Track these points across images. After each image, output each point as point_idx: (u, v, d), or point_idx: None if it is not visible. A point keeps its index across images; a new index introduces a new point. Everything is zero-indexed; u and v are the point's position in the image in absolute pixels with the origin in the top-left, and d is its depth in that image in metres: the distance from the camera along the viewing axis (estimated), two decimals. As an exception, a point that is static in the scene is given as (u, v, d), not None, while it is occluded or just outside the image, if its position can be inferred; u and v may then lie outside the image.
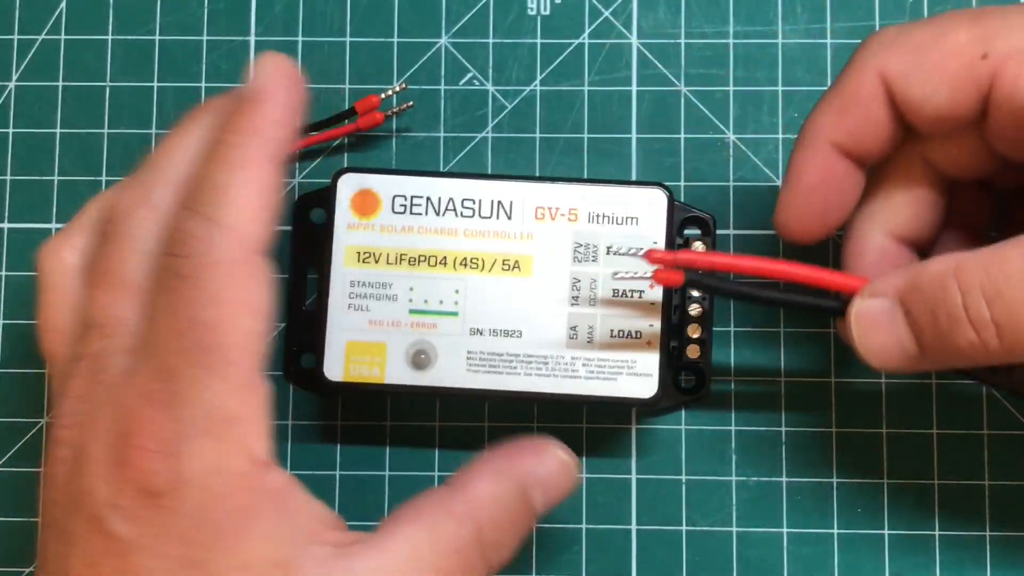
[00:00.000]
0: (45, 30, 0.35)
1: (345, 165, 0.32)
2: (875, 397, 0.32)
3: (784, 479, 0.32)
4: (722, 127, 0.33)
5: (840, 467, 0.32)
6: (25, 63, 0.34)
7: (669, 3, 0.34)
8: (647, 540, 0.32)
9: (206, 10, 0.34)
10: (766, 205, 0.33)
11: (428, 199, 0.29)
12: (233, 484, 0.23)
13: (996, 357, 0.24)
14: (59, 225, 0.34)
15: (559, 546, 0.32)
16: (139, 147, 0.34)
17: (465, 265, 0.29)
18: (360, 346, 0.29)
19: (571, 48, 0.34)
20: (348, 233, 0.29)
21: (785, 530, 0.32)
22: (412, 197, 0.29)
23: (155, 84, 0.34)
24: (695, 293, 0.30)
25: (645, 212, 0.29)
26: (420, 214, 0.29)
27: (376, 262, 0.29)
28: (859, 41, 0.33)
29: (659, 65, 0.34)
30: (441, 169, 0.34)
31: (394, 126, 0.34)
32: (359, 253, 0.29)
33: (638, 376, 0.29)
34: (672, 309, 0.30)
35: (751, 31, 0.34)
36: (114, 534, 0.23)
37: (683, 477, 0.33)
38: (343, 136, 0.33)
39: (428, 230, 0.29)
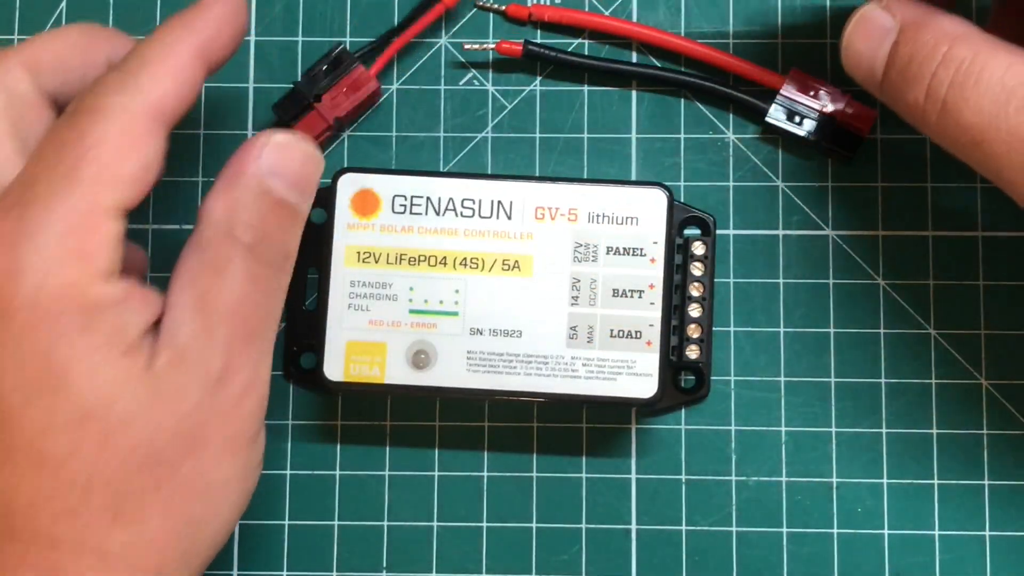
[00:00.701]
0: (45, 30, 0.35)
1: (345, 165, 0.32)
2: (875, 397, 0.32)
3: (784, 479, 0.32)
4: (722, 127, 0.33)
5: (840, 467, 0.32)
6: (25, 63, 0.34)
7: (669, 3, 0.34)
8: (647, 540, 0.32)
9: (206, 10, 0.34)
10: (766, 205, 0.33)
11: (428, 199, 0.29)
12: (74, 284, 0.24)
13: (929, 129, 0.26)
14: (59, 225, 0.34)
15: (559, 546, 0.32)
16: (139, 147, 0.34)
17: (465, 265, 0.29)
18: (360, 346, 0.29)
19: (571, 48, 0.34)
20: (348, 233, 0.29)
21: (785, 530, 0.32)
22: (412, 197, 0.29)
23: (155, 84, 0.34)
24: (695, 293, 0.30)
25: (645, 212, 0.29)
26: (420, 214, 0.29)
27: (376, 262, 0.29)
28: (859, 41, 0.33)
29: (659, 64, 0.34)
30: (441, 169, 0.34)
31: (394, 124, 0.34)
32: (359, 253, 0.29)
33: (638, 376, 0.29)
34: (672, 309, 0.30)
35: (751, 31, 0.34)
36: None
37: (683, 477, 0.33)
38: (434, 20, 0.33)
39: (428, 230, 0.29)
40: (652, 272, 0.29)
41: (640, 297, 0.29)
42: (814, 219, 0.33)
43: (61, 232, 0.24)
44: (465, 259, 0.29)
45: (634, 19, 0.34)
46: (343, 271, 0.29)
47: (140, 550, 0.24)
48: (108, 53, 0.28)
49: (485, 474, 0.33)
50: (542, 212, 0.29)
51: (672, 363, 0.30)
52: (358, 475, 0.33)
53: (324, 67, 0.33)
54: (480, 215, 0.29)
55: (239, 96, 0.34)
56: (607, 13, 0.34)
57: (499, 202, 0.29)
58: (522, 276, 0.29)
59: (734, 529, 0.32)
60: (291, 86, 0.33)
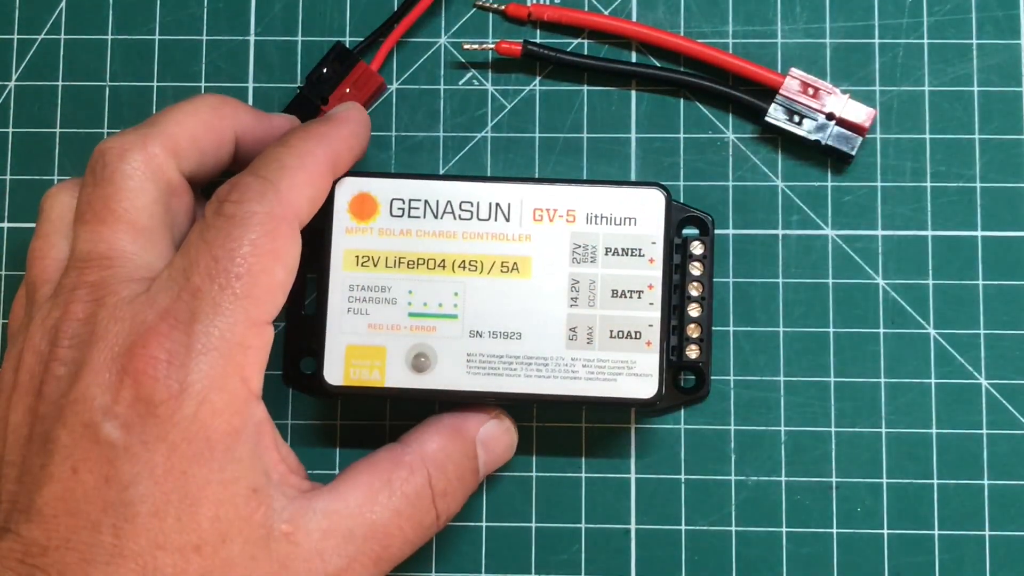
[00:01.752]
0: (45, 30, 0.35)
1: None
2: (875, 397, 0.32)
3: (784, 479, 0.32)
4: (722, 127, 0.33)
5: (840, 467, 0.32)
6: (25, 63, 0.34)
7: (668, 3, 0.34)
8: (646, 540, 0.32)
9: (206, 10, 0.34)
10: (766, 205, 0.33)
11: (426, 202, 0.29)
12: (229, 404, 0.24)
13: None
14: (59, 225, 0.34)
15: (559, 546, 0.32)
16: (139, 147, 0.34)
17: (464, 268, 0.29)
18: (360, 350, 0.29)
19: (570, 48, 0.34)
20: (346, 237, 0.29)
21: (785, 530, 0.32)
22: (410, 200, 0.29)
23: (155, 84, 0.34)
24: (694, 292, 0.30)
25: (643, 212, 0.29)
26: (418, 217, 0.29)
27: (375, 266, 0.29)
28: (859, 41, 0.33)
29: (659, 64, 0.34)
30: (440, 170, 0.34)
31: (394, 124, 0.34)
32: (358, 257, 0.29)
33: (638, 376, 0.29)
34: (671, 309, 0.30)
35: (750, 31, 0.34)
36: (104, 439, 0.24)
37: (683, 477, 0.32)
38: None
39: (426, 233, 0.29)
40: (651, 272, 0.29)
41: (639, 298, 0.29)
42: (814, 219, 0.33)
43: (224, 351, 0.24)
44: (464, 261, 0.29)
45: (634, 19, 0.34)
46: (342, 275, 0.29)
47: None
48: (236, 127, 0.29)
49: (485, 474, 0.33)
50: (540, 214, 0.29)
51: (672, 363, 0.30)
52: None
53: (325, 68, 0.33)
54: (478, 217, 0.29)
55: (239, 96, 0.34)
56: (607, 13, 0.34)
57: (497, 204, 0.29)
58: (521, 278, 0.29)
59: (734, 529, 0.32)
60: (291, 86, 0.33)
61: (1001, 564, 0.32)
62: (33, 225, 0.34)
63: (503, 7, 0.34)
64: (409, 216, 0.29)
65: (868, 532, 0.32)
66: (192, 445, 0.24)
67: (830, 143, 0.32)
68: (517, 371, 0.29)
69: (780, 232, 0.33)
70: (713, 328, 0.32)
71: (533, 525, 0.32)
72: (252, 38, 0.34)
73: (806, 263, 0.33)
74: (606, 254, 0.29)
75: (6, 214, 0.34)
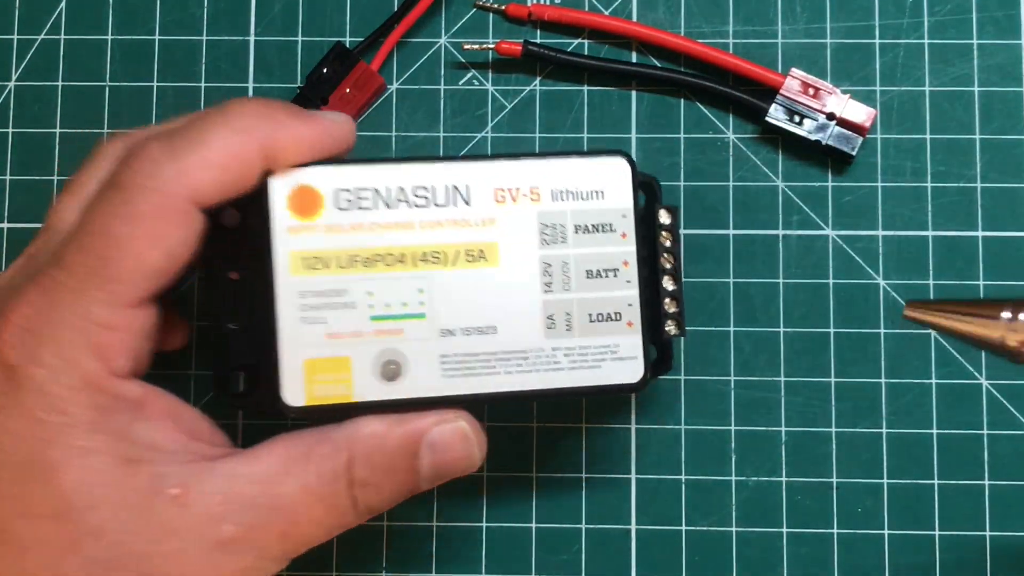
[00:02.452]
0: (45, 30, 0.35)
1: None
2: (875, 397, 0.32)
3: (784, 479, 0.32)
4: (722, 127, 0.33)
5: (840, 467, 0.32)
6: (25, 63, 0.34)
7: (669, 3, 0.34)
8: (647, 540, 0.32)
9: (206, 10, 0.34)
10: (766, 205, 0.33)
11: (376, 191, 0.26)
12: (87, 382, 0.24)
13: None
14: (59, 225, 0.34)
15: (559, 546, 0.32)
16: (139, 147, 0.34)
17: (426, 260, 0.26)
18: (320, 363, 0.26)
19: (570, 48, 0.34)
20: (289, 237, 0.26)
21: (785, 530, 0.32)
22: (357, 190, 0.26)
23: (155, 84, 0.34)
24: (668, 266, 0.28)
25: (609, 183, 0.27)
26: (369, 208, 0.26)
27: (327, 267, 0.26)
28: (859, 41, 0.33)
29: (659, 64, 0.34)
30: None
31: (394, 124, 0.34)
32: (305, 259, 0.26)
33: (623, 360, 0.27)
34: (645, 284, 0.27)
35: (750, 31, 0.34)
36: None
37: (683, 477, 0.32)
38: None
39: (380, 225, 0.26)
40: (625, 248, 0.27)
41: (615, 276, 0.27)
42: (814, 219, 0.33)
43: (81, 328, 0.24)
44: (425, 254, 0.26)
45: (634, 19, 0.34)
46: (290, 281, 0.26)
47: None
48: (271, 147, 0.25)
49: (485, 474, 0.33)
50: (502, 194, 0.27)
51: (652, 342, 0.28)
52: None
53: (325, 68, 0.33)
54: (436, 203, 0.27)
55: (239, 96, 0.34)
56: (607, 13, 0.34)
57: (454, 187, 0.27)
58: (489, 266, 0.27)
59: (734, 529, 0.32)
60: (291, 86, 0.33)
61: (1001, 564, 0.32)
62: (31, 226, 0.34)
63: (503, 7, 0.34)
64: (359, 208, 0.26)
65: (868, 532, 0.32)
66: (50, 415, 0.23)
67: (830, 143, 0.32)
68: (496, 368, 0.27)
69: (780, 232, 0.33)
70: (713, 328, 0.32)
71: (533, 525, 0.32)
72: (252, 38, 0.34)
73: (806, 263, 0.33)
74: (576, 232, 0.27)
75: (6, 214, 0.34)
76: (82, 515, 0.23)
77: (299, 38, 0.34)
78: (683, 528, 0.32)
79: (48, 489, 0.23)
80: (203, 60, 0.34)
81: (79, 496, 0.23)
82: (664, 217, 0.28)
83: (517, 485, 0.33)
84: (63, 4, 0.35)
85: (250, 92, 0.34)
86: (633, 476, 0.33)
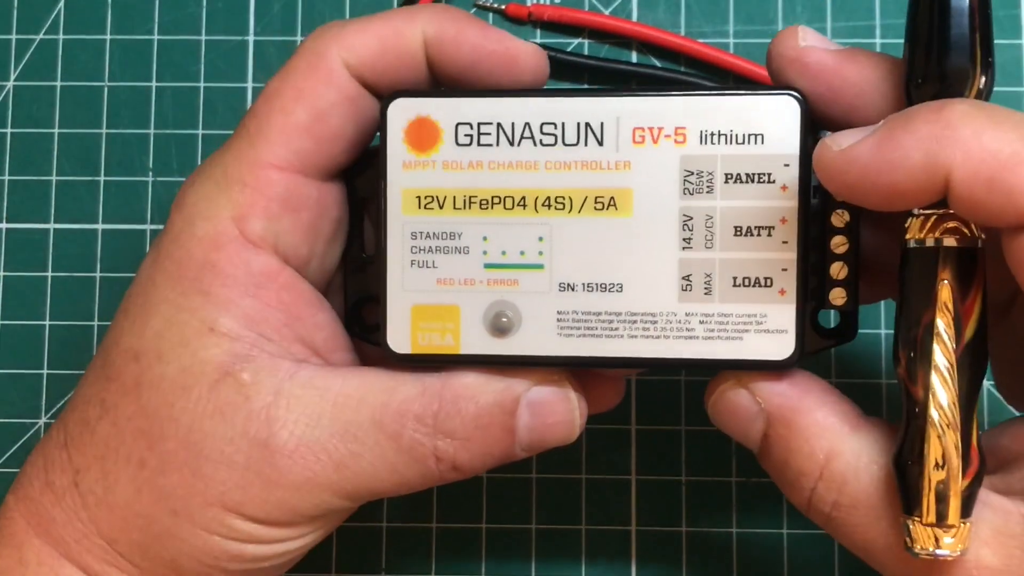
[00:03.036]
0: (43, 30, 0.35)
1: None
2: (875, 397, 0.32)
3: (784, 479, 0.32)
4: (722, 127, 0.33)
5: (840, 467, 0.32)
6: (23, 63, 0.34)
7: (669, 3, 0.34)
8: (647, 540, 0.32)
9: (204, 10, 0.34)
10: (766, 205, 0.33)
11: (499, 126, 0.24)
12: (211, 236, 0.23)
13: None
14: (57, 225, 0.34)
15: (559, 546, 0.32)
16: (138, 147, 0.34)
17: (549, 206, 0.24)
18: (428, 310, 0.24)
19: (571, 48, 0.34)
20: (404, 174, 0.24)
21: (785, 531, 0.32)
22: (480, 124, 0.24)
23: (153, 84, 0.34)
24: (839, 224, 0.24)
25: (772, 126, 0.23)
26: (490, 145, 0.24)
27: (440, 207, 0.24)
28: (860, 41, 0.33)
29: (659, 64, 0.34)
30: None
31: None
32: (419, 198, 0.24)
33: (769, 333, 0.24)
34: (808, 245, 0.24)
35: (751, 31, 0.34)
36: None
37: (683, 477, 0.33)
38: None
39: (501, 165, 0.24)
40: (784, 203, 0.23)
41: (769, 235, 0.23)
42: (814, 219, 0.33)
43: (220, 181, 0.24)
44: (548, 198, 0.24)
45: (634, 19, 0.34)
46: (401, 220, 0.24)
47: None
48: (424, 31, 0.25)
49: (484, 475, 0.33)
50: (641, 134, 0.24)
51: (811, 314, 0.25)
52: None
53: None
54: (564, 142, 0.24)
55: (238, 95, 0.34)
56: (607, 13, 0.34)
57: (587, 124, 0.24)
58: (620, 216, 0.24)
59: (734, 529, 0.32)
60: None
61: (1001, 564, 0.32)
62: (30, 226, 0.34)
63: (503, 7, 0.34)
64: (479, 144, 0.24)
65: (868, 532, 0.32)
66: (167, 262, 0.24)
67: (831, 143, 0.32)
68: (619, 331, 0.24)
69: (780, 232, 0.33)
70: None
71: (533, 526, 0.32)
72: (251, 38, 0.34)
73: (806, 263, 0.33)
74: (726, 181, 0.24)
75: (5, 214, 0.34)
76: (151, 364, 0.23)
77: (298, 37, 0.34)
78: (683, 529, 0.32)
79: (137, 327, 0.24)
80: (202, 60, 0.34)
81: (154, 345, 0.23)
82: None
83: (517, 486, 0.33)
84: (61, 4, 0.35)
85: (249, 92, 0.34)
86: (633, 476, 0.33)
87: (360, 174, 0.26)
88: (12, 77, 0.34)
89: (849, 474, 0.23)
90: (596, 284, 0.24)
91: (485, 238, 0.24)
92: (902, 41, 0.33)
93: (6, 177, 0.34)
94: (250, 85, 0.34)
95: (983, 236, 0.22)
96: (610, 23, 0.33)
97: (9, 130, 0.34)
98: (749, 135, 0.23)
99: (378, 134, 0.25)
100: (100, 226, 0.34)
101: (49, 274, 0.34)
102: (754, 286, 0.24)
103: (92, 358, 0.25)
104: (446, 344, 0.24)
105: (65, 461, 0.24)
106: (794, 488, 0.24)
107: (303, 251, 0.24)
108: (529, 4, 0.34)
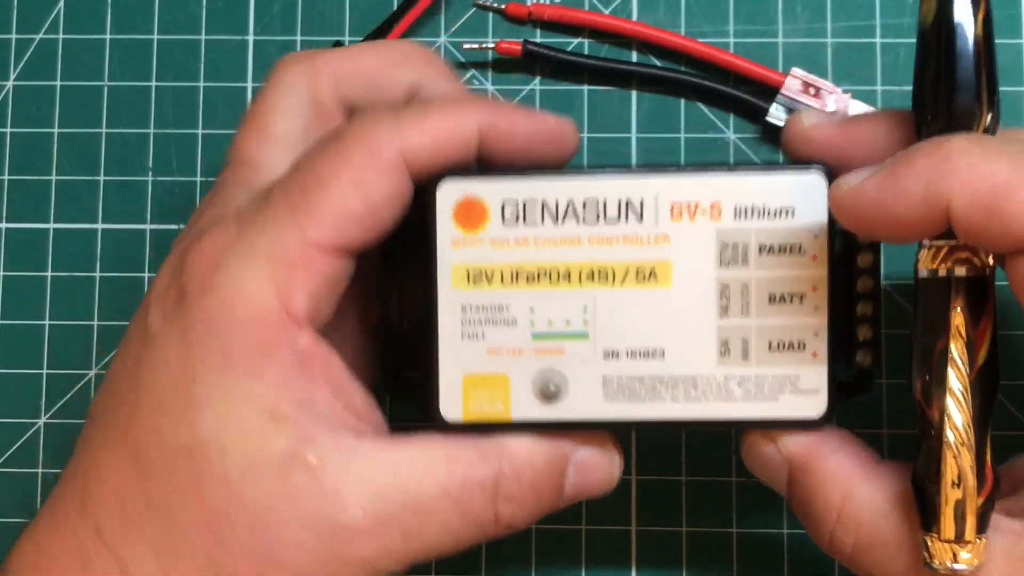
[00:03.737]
0: (43, 29, 0.35)
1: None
2: (875, 397, 0.32)
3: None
4: (723, 127, 0.33)
5: (840, 467, 0.32)
6: (23, 62, 0.34)
7: (669, 2, 0.34)
8: (647, 540, 0.32)
9: (204, 9, 0.34)
10: (766, 205, 0.33)
11: (543, 204, 0.25)
12: (257, 319, 0.23)
13: None
14: (57, 225, 0.34)
15: (559, 546, 0.32)
16: (137, 147, 0.34)
17: (592, 278, 0.25)
18: (479, 379, 0.26)
19: (571, 47, 0.34)
20: (453, 251, 0.25)
21: (785, 531, 0.32)
22: (524, 203, 0.25)
23: (153, 84, 0.34)
24: (863, 289, 0.26)
25: (801, 201, 0.25)
26: (535, 223, 0.25)
27: (489, 282, 0.25)
28: (860, 41, 0.33)
29: (659, 64, 0.34)
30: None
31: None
32: (468, 272, 0.25)
33: (803, 393, 0.25)
34: (836, 310, 0.25)
35: (751, 30, 0.34)
36: (148, 322, 0.24)
37: (683, 477, 0.33)
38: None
39: (546, 240, 0.25)
40: (814, 272, 0.25)
41: (801, 302, 0.25)
42: (814, 219, 0.33)
43: (265, 261, 0.23)
44: (592, 271, 0.25)
45: (634, 19, 0.34)
46: (452, 295, 0.25)
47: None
48: (415, 76, 0.27)
49: (485, 475, 0.33)
50: (679, 209, 0.25)
51: (841, 374, 0.26)
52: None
53: (323, 67, 0.33)
54: (606, 218, 0.25)
55: (238, 96, 0.34)
56: (607, 12, 0.34)
57: (627, 201, 0.25)
58: (660, 287, 0.25)
59: (734, 530, 0.32)
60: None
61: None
62: (30, 226, 0.34)
63: (503, 7, 0.34)
64: (525, 222, 0.25)
65: (868, 533, 0.32)
66: (208, 348, 0.23)
67: (831, 143, 0.32)
68: (662, 394, 0.25)
69: (781, 232, 0.33)
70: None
71: (533, 526, 0.32)
72: (251, 38, 0.34)
73: (806, 263, 0.33)
74: (760, 253, 0.25)
75: (4, 214, 0.34)
76: (211, 459, 0.23)
77: (298, 37, 0.34)
78: (683, 528, 0.32)
79: (184, 424, 0.23)
80: (202, 60, 0.34)
81: (213, 439, 0.23)
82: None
83: (517, 485, 0.33)
84: (61, 3, 0.35)
85: (249, 92, 0.34)
86: (633, 476, 0.33)
87: (391, 249, 0.26)
88: (12, 77, 0.34)
89: (864, 516, 0.24)
90: (639, 351, 0.25)
91: (532, 309, 0.25)
92: (901, 40, 0.33)
93: (6, 177, 0.34)
94: (250, 85, 0.34)
95: (991, 264, 0.23)
96: (610, 23, 0.33)
97: (9, 130, 0.34)
98: (781, 209, 0.25)
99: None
100: (100, 226, 0.34)
101: (49, 274, 0.34)
102: (788, 350, 0.25)
103: (99, 435, 0.24)
104: (496, 411, 0.26)
105: (105, 554, 0.23)
106: (816, 531, 0.25)
107: (329, 320, 0.25)
108: (529, 4, 0.34)
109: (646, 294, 0.25)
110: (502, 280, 0.25)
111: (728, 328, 0.25)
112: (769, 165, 0.26)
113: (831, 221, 0.25)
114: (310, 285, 0.23)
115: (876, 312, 0.26)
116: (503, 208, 0.25)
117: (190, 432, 0.23)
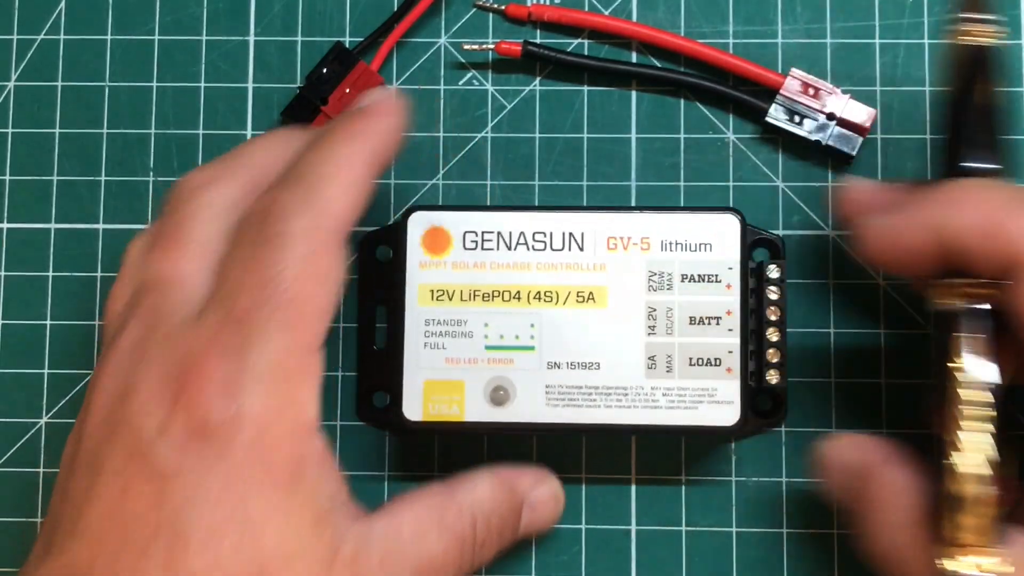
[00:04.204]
0: (44, 30, 0.35)
1: (412, 203, 0.31)
2: (875, 397, 0.32)
3: (784, 479, 0.32)
4: (722, 127, 0.33)
5: (840, 467, 0.32)
6: (24, 63, 0.34)
7: (669, 3, 0.34)
8: (647, 540, 0.32)
9: (205, 10, 0.34)
10: (766, 205, 0.33)
11: (499, 234, 0.29)
12: (291, 433, 0.24)
13: None
14: (58, 225, 0.34)
15: (559, 546, 0.32)
16: (138, 147, 0.34)
17: (539, 299, 0.29)
18: (438, 385, 0.29)
19: (570, 48, 0.34)
20: (420, 272, 0.29)
21: (785, 530, 0.32)
22: (483, 232, 0.29)
23: (154, 84, 0.34)
24: (772, 317, 0.30)
25: (718, 237, 0.29)
26: (492, 249, 0.29)
27: (450, 299, 0.29)
28: (859, 41, 0.33)
29: (659, 64, 0.34)
30: (440, 169, 0.34)
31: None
32: (432, 291, 0.29)
33: (719, 404, 0.29)
34: (749, 334, 0.30)
35: (751, 31, 0.34)
36: (156, 462, 0.23)
37: (683, 477, 0.33)
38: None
39: (500, 265, 0.29)
40: (728, 298, 0.29)
41: (718, 324, 0.29)
42: (814, 219, 0.33)
43: (281, 378, 0.24)
44: (539, 293, 0.29)
45: (634, 19, 0.34)
46: (417, 310, 0.29)
47: None
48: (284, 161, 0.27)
49: (485, 474, 0.33)
50: (614, 242, 0.29)
51: (751, 389, 0.30)
52: (357, 475, 0.33)
53: (325, 68, 0.33)
54: (552, 248, 0.29)
55: (238, 96, 0.34)
56: (607, 13, 0.34)
57: (571, 234, 0.29)
58: (597, 308, 0.29)
59: (734, 529, 0.32)
60: (291, 87, 0.33)
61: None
62: (30, 226, 0.34)
63: (503, 7, 0.34)
64: (482, 248, 0.29)
65: (868, 532, 0.32)
66: (253, 471, 0.23)
67: (831, 143, 0.32)
68: (597, 402, 0.29)
69: (780, 232, 0.33)
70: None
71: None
72: (252, 38, 0.34)
73: (806, 263, 0.33)
74: (682, 281, 0.29)
75: (5, 214, 0.34)
76: (281, 570, 0.23)
77: (299, 38, 0.34)
78: (683, 528, 0.32)
79: (247, 547, 0.23)
80: (202, 60, 0.34)
81: (278, 554, 0.23)
82: (774, 271, 0.30)
83: (517, 485, 0.33)
84: (62, 4, 0.35)
85: (250, 92, 0.34)
86: (633, 476, 0.33)
87: (370, 282, 0.31)
88: (13, 77, 0.34)
89: (892, 522, 0.26)
90: (578, 363, 0.29)
91: (486, 324, 0.29)
92: (900, 41, 0.33)
93: (7, 177, 0.34)
94: (250, 85, 0.34)
95: (1000, 295, 0.25)
96: (610, 23, 0.33)
97: (10, 130, 0.34)
98: (700, 244, 0.29)
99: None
100: (100, 226, 0.34)
101: (50, 274, 0.34)
102: (707, 365, 0.29)
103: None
104: (452, 413, 0.29)
105: None
106: (860, 537, 0.27)
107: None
108: (529, 4, 0.34)
109: (585, 314, 0.29)
110: (461, 298, 0.29)
111: (655, 345, 0.29)
112: (693, 207, 0.31)
113: (744, 255, 0.29)
114: (314, 388, 0.25)
115: (783, 338, 0.30)
116: (464, 236, 0.29)
117: (257, 550, 0.23)
